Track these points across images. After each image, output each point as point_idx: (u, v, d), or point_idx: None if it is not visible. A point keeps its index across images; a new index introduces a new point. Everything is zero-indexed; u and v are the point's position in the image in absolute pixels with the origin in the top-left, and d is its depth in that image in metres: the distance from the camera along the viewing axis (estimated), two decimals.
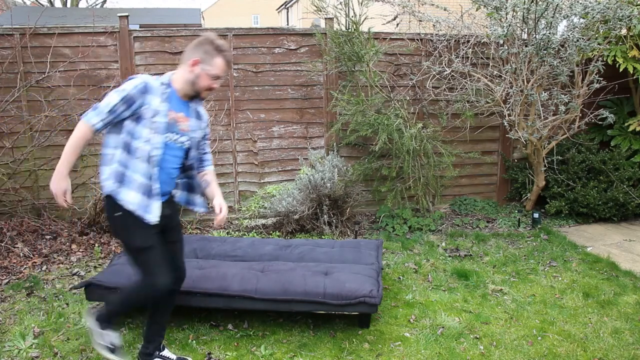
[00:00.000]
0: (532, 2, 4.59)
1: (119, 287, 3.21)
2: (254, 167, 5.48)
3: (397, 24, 5.47)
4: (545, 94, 4.81)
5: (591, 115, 5.30)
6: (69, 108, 4.97)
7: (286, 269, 3.41)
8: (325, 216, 4.97)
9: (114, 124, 2.42)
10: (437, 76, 5.29)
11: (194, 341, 3.11)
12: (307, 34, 5.39)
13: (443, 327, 3.30)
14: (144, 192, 2.45)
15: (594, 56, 5.00)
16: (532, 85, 4.91)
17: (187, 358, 2.91)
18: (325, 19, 5.33)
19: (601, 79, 5.02)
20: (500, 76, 5.12)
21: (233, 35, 5.24)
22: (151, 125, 2.40)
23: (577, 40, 4.80)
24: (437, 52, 5.35)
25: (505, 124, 5.15)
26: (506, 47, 4.98)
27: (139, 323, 3.30)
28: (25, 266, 4.16)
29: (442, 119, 5.47)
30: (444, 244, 4.83)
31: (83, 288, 3.30)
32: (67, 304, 3.59)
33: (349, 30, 5.16)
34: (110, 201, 2.47)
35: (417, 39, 5.48)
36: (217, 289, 3.20)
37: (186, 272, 2.89)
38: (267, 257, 3.72)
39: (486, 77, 5.21)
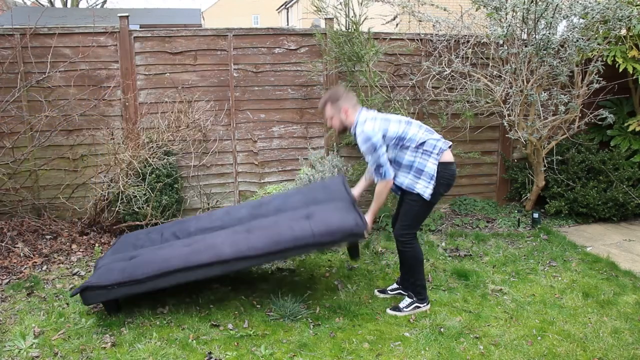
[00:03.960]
0: (532, 2, 4.59)
1: (114, 283, 3.23)
2: (254, 167, 5.48)
3: (397, 24, 5.48)
4: (545, 94, 4.81)
5: (591, 116, 5.30)
6: (69, 108, 4.97)
7: (270, 223, 3.51)
8: None
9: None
10: (437, 76, 5.30)
11: (194, 341, 3.12)
12: (307, 34, 5.40)
13: (443, 327, 3.30)
14: None
15: (593, 56, 5.01)
16: (532, 85, 4.91)
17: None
18: (325, 19, 5.33)
19: (601, 79, 5.02)
20: (500, 76, 5.13)
21: (233, 35, 5.25)
22: None
23: (577, 41, 4.80)
24: (437, 52, 5.35)
25: (505, 124, 5.16)
26: (506, 47, 4.98)
27: (139, 323, 3.31)
28: (25, 266, 4.16)
29: (442, 119, 5.47)
30: (443, 244, 4.84)
31: (80, 294, 3.31)
32: (67, 304, 3.59)
33: (349, 30, 5.17)
34: None
35: (417, 39, 5.49)
36: (211, 258, 3.27)
37: (178, 252, 3.33)
38: (247, 219, 3.77)
39: (486, 77, 5.21)
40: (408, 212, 3.40)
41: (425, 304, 3.52)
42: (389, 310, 3.49)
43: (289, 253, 3.35)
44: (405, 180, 3.35)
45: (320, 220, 3.36)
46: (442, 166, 3.30)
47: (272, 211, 3.81)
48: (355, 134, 3.33)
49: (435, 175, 3.27)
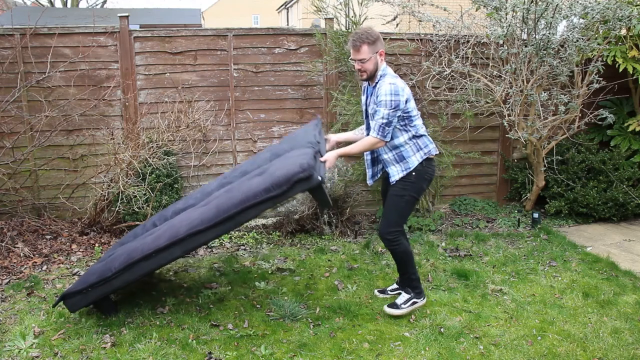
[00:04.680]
0: (532, 2, 4.59)
1: (88, 286, 3.20)
2: None
3: (397, 24, 5.47)
4: (545, 94, 4.81)
5: (591, 116, 5.30)
6: (69, 108, 4.97)
7: (227, 190, 3.37)
8: (325, 216, 4.98)
9: None
10: (437, 76, 5.29)
11: (194, 341, 3.12)
12: (307, 34, 5.40)
13: (443, 327, 3.30)
14: None
15: (593, 56, 5.01)
16: (532, 85, 4.91)
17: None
18: (325, 19, 5.33)
19: (601, 79, 5.02)
20: (500, 76, 5.13)
21: (233, 35, 5.25)
22: None
23: (577, 41, 4.80)
24: (437, 52, 5.35)
25: (505, 124, 5.16)
26: (506, 47, 4.98)
27: (139, 323, 3.31)
28: (25, 266, 4.16)
29: (442, 119, 5.47)
30: (443, 244, 4.84)
31: (63, 303, 3.29)
32: None
33: (349, 30, 5.17)
34: None
35: (417, 39, 5.49)
36: (168, 240, 3.16)
37: (142, 241, 3.25)
38: (215, 191, 3.64)
39: (486, 77, 5.21)
40: (393, 207, 3.34)
41: (422, 299, 3.48)
42: (386, 308, 3.43)
43: (241, 216, 3.13)
44: (385, 156, 3.33)
45: (269, 173, 3.18)
46: (427, 162, 3.32)
47: (237, 176, 3.65)
48: (378, 82, 3.20)
49: (411, 168, 3.27)
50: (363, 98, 3.42)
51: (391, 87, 3.10)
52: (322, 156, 3.32)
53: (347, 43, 3.46)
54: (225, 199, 3.20)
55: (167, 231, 3.22)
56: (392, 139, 3.24)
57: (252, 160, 3.82)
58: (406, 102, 3.16)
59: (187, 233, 3.14)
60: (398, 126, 3.23)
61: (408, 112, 3.20)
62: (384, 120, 3.14)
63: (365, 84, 3.38)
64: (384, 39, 5.40)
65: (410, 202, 3.33)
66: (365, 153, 3.46)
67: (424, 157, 3.29)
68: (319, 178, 3.07)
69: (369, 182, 3.56)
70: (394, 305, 3.43)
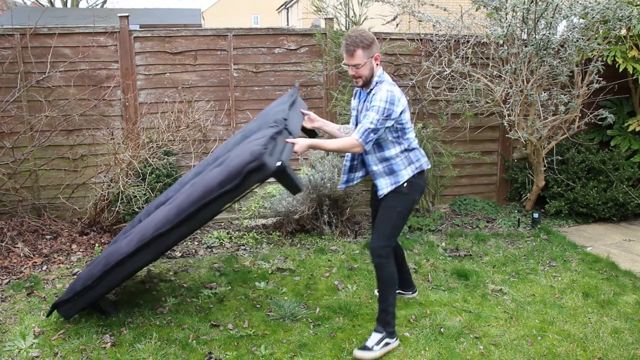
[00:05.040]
0: (532, 2, 4.60)
1: (74, 294, 3.17)
2: None
3: (397, 24, 5.48)
4: (545, 94, 4.81)
5: (591, 116, 5.30)
6: (69, 108, 4.98)
7: (191, 185, 3.14)
8: (325, 216, 4.97)
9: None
10: (437, 76, 5.30)
11: (194, 341, 3.12)
12: (307, 34, 5.40)
13: (443, 327, 3.30)
14: None
15: (593, 56, 5.01)
16: (532, 85, 4.91)
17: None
18: (325, 19, 5.34)
19: (601, 79, 5.02)
20: (500, 76, 5.13)
21: (233, 35, 5.25)
22: None
23: (577, 41, 4.80)
24: (437, 52, 5.36)
25: (505, 124, 5.16)
26: (506, 47, 4.98)
27: (139, 323, 3.31)
28: (25, 266, 4.16)
29: (442, 119, 5.47)
30: (443, 244, 4.84)
31: (57, 311, 3.28)
32: None
33: (349, 30, 5.16)
34: None
35: (417, 39, 5.49)
36: (137, 242, 3.03)
37: (118, 245, 3.12)
38: (190, 181, 3.38)
39: (486, 77, 5.21)
40: (385, 220, 3.09)
41: (394, 339, 3.08)
42: (356, 351, 2.99)
43: (201, 215, 2.92)
44: (374, 167, 3.12)
45: (226, 164, 2.93)
46: (419, 175, 3.11)
47: (210, 163, 3.36)
48: (374, 88, 2.97)
49: (400, 182, 3.06)
50: (354, 102, 3.21)
51: (388, 94, 2.89)
52: (291, 135, 2.99)
53: (341, 47, 3.21)
54: (185, 197, 3.00)
55: (138, 234, 3.08)
56: (383, 150, 3.06)
57: (224, 144, 3.56)
58: (401, 113, 2.94)
59: (152, 235, 2.99)
60: (390, 138, 3.02)
61: (402, 123, 3.00)
62: (372, 126, 2.88)
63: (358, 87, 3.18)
64: (383, 39, 5.48)
65: (403, 214, 3.12)
66: (345, 158, 3.26)
67: (415, 171, 3.09)
68: (278, 164, 2.74)
69: (341, 186, 3.35)
70: (364, 348, 3.00)
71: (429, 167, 3.20)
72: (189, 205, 2.93)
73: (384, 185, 3.10)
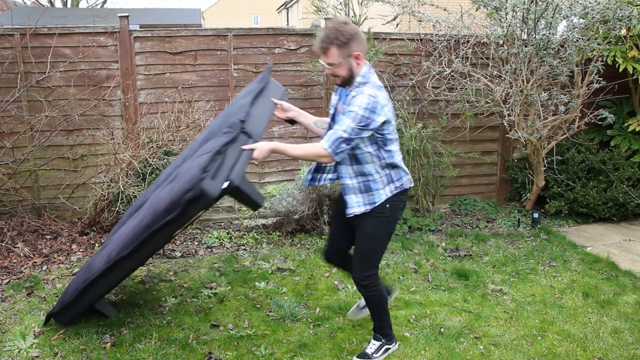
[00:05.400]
0: (532, 2, 4.60)
1: (63, 305, 3.14)
2: (254, 167, 5.48)
3: (397, 24, 5.48)
4: (545, 94, 4.81)
5: (591, 116, 5.31)
6: (69, 108, 4.97)
7: (152, 199, 2.93)
8: (325, 216, 4.97)
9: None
10: (437, 76, 5.30)
11: (194, 341, 3.12)
12: (307, 34, 5.40)
13: (443, 327, 3.30)
14: None
15: (593, 56, 5.01)
16: (532, 85, 4.91)
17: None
18: (325, 19, 5.33)
19: (601, 79, 5.02)
20: (500, 76, 5.13)
21: (233, 35, 5.25)
22: None
23: (577, 41, 4.80)
24: (437, 52, 5.36)
25: (505, 124, 5.16)
26: (506, 48, 4.98)
27: (139, 323, 3.31)
28: (25, 266, 4.16)
29: (442, 119, 5.47)
30: (443, 244, 4.84)
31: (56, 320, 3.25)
32: None
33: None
34: None
35: (417, 39, 5.49)
36: (105, 263, 2.89)
37: (93, 258, 2.91)
38: (162, 183, 3.17)
39: (486, 77, 5.21)
40: (367, 250, 2.77)
41: (394, 343, 3.00)
42: (355, 359, 2.93)
43: (152, 243, 2.73)
44: (348, 181, 2.69)
45: (172, 186, 2.67)
46: (401, 194, 2.74)
47: (179, 164, 3.11)
48: (356, 90, 2.54)
49: (377, 203, 2.67)
50: (334, 98, 2.77)
51: (369, 100, 2.46)
52: (251, 138, 2.66)
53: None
54: (139, 221, 2.82)
55: (108, 250, 2.98)
56: (360, 163, 2.64)
57: (192, 144, 3.26)
58: (384, 123, 2.53)
59: (116, 258, 2.87)
60: (370, 150, 2.60)
61: (383, 134, 2.58)
62: (344, 135, 2.46)
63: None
64: (383, 39, 5.48)
65: (386, 238, 2.79)
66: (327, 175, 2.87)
67: (395, 191, 2.69)
68: (224, 185, 2.44)
69: (305, 184, 2.96)
70: (364, 356, 2.91)
71: (412, 185, 2.80)
72: (142, 231, 2.77)
73: (355, 204, 2.69)
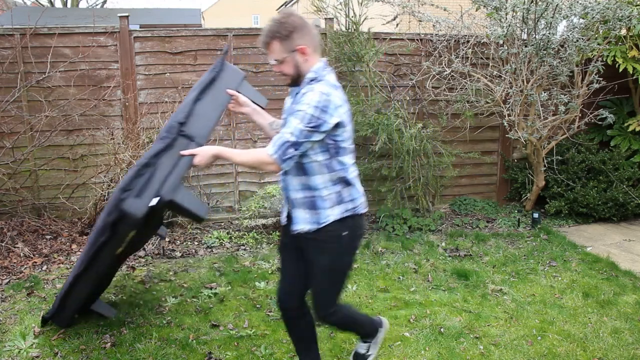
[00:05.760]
0: (532, 2, 4.60)
1: (55, 310, 3.11)
2: None
3: (397, 24, 5.48)
4: (545, 94, 4.81)
5: (591, 116, 5.31)
6: (69, 108, 4.97)
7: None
8: None
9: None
10: (437, 76, 5.30)
11: (194, 341, 3.12)
12: None
13: (443, 327, 3.30)
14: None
15: (593, 56, 5.01)
16: (532, 85, 4.91)
17: None
18: (325, 19, 5.33)
19: (601, 79, 5.02)
20: (500, 76, 5.13)
21: (233, 35, 5.25)
22: None
23: (577, 41, 4.80)
24: (437, 52, 5.36)
25: (505, 124, 5.16)
26: (506, 47, 4.98)
27: (139, 323, 3.31)
28: (25, 266, 4.16)
29: (442, 119, 5.47)
30: (443, 244, 4.84)
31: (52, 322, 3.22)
32: None
33: (349, 30, 5.17)
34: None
35: (417, 39, 5.49)
36: (72, 277, 2.82)
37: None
38: None
39: (486, 77, 5.21)
40: (326, 287, 2.40)
41: (380, 329, 2.74)
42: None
43: (96, 264, 2.60)
44: (293, 195, 2.30)
45: (108, 202, 2.51)
46: (357, 219, 2.34)
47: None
48: (305, 87, 2.21)
49: (323, 224, 2.26)
50: (288, 102, 2.39)
51: (321, 97, 2.11)
52: (193, 141, 2.43)
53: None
54: (91, 236, 2.67)
55: (77, 261, 2.92)
56: (307, 174, 2.24)
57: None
58: (337, 126, 2.16)
59: (76, 272, 2.75)
60: (320, 158, 2.21)
61: (337, 140, 2.20)
62: (292, 139, 2.09)
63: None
64: (383, 39, 5.48)
65: (345, 270, 2.42)
66: (281, 187, 2.41)
67: (345, 214, 2.28)
68: (153, 202, 2.21)
69: (283, 220, 2.47)
70: (359, 357, 2.73)
71: (366, 210, 2.42)
72: (89, 248, 2.65)
73: (301, 221, 2.29)
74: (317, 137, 2.13)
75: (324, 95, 2.13)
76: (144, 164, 2.31)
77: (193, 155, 2.26)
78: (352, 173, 2.32)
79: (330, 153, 2.22)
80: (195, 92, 2.58)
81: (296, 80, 2.26)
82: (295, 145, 2.10)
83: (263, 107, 2.68)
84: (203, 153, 2.25)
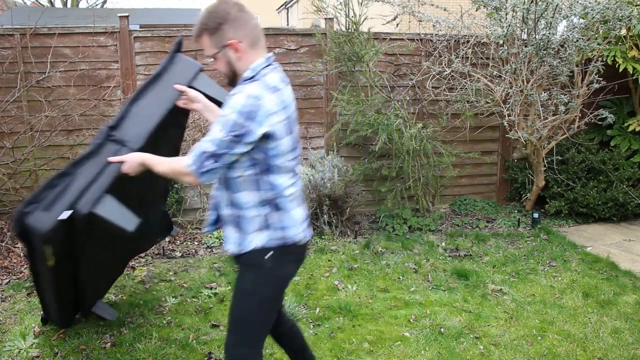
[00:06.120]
0: (532, 2, 4.60)
1: (46, 317, 3.09)
2: None
3: (397, 24, 5.48)
4: (545, 94, 4.81)
5: (591, 116, 5.31)
6: (69, 108, 4.97)
7: None
8: (325, 216, 4.97)
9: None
10: (437, 76, 5.30)
11: (194, 341, 3.12)
12: (307, 34, 5.39)
13: (443, 327, 3.30)
14: None
15: (593, 56, 5.01)
16: (532, 85, 4.91)
17: None
18: (325, 19, 5.33)
19: (601, 79, 5.02)
20: (500, 76, 5.13)
21: None
22: None
23: (577, 41, 4.80)
24: (437, 52, 5.36)
25: (505, 124, 5.16)
26: (506, 47, 4.98)
27: (139, 323, 3.31)
28: (25, 266, 4.16)
29: (442, 119, 5.47)
30: (443, 244, 4.84)
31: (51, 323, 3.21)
32: None
33: (349, 30, 5.17)
34: None
35: (417, 39, 5.49)
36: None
37: None
38: None
39: (486, 77, 5.21)
40: (242, 313, 1.98)
41: None
42: None
43: (42, 277, 2.48)
44: (223, 210, 1.99)
45: None
46: (290, 248, 1.98)
47: None
48: (236, 88, 1.87)
49: (247, 249, 1.93)
50: None
51: (247, 102, 1.76)
52: (126, 146, 2.23)
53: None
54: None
55: None
56: (232, 190, 1.91)
57: None
58: (267, 137, 1.80)
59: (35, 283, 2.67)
60: (245, 173, 1.87)
61: (269, 154, 1.85)
62: (211, 149, 1.78)
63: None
64: (383, 39, 5.48)
65: (267, 302, 2.02)
66: (212, 202, 2.10)
67: (271, 243, 1.92)
68: (63, 216, 1.99)
69: (205, 229, 2.19)
70: None
71: (305, 241, 2.04)
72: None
73: (229, 240, 1.98)
74: (242, 148, 1.79)
75: (251, 98, 1.76)
76: (59, 174, 2.12)
77: (122, 163, 2.05)
78: (287, 197, 1.93)
79: (259, 169, 1.86)
80: (136, 91, 2.39)
81: (233, 80, 1.94)
82: (215, 156, 1.78)
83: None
84: (132, 160, 2.04)
